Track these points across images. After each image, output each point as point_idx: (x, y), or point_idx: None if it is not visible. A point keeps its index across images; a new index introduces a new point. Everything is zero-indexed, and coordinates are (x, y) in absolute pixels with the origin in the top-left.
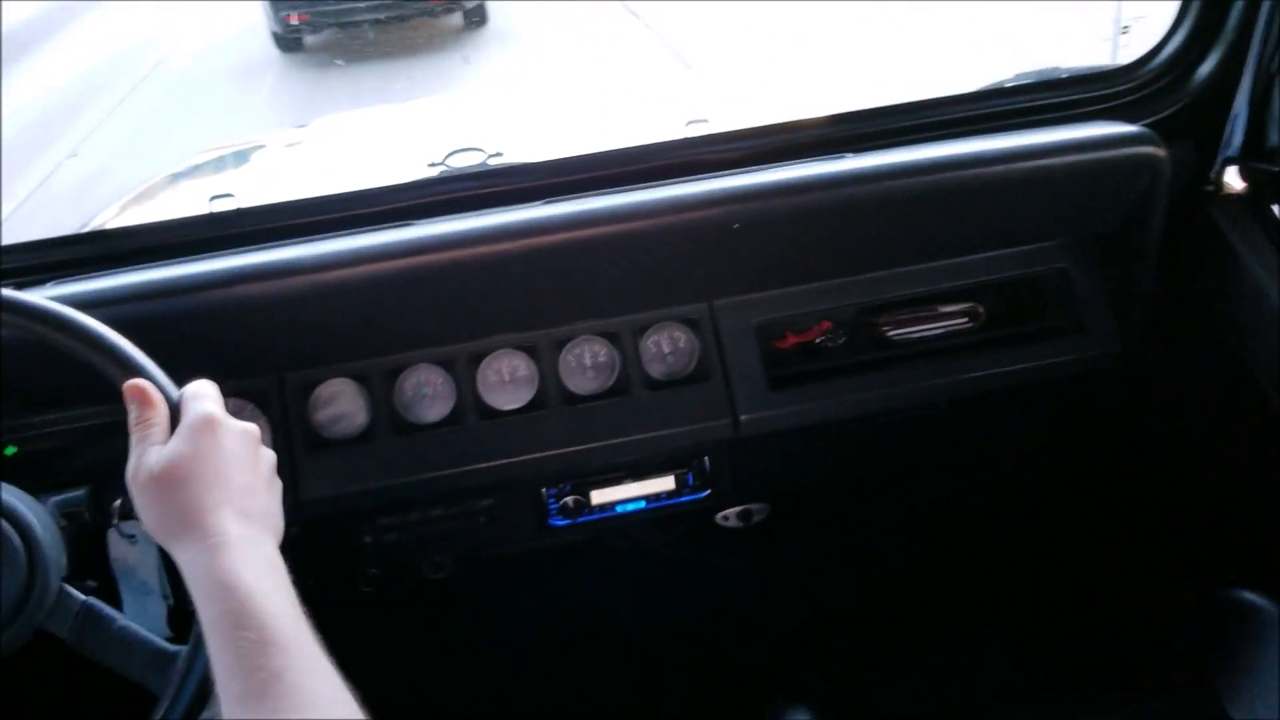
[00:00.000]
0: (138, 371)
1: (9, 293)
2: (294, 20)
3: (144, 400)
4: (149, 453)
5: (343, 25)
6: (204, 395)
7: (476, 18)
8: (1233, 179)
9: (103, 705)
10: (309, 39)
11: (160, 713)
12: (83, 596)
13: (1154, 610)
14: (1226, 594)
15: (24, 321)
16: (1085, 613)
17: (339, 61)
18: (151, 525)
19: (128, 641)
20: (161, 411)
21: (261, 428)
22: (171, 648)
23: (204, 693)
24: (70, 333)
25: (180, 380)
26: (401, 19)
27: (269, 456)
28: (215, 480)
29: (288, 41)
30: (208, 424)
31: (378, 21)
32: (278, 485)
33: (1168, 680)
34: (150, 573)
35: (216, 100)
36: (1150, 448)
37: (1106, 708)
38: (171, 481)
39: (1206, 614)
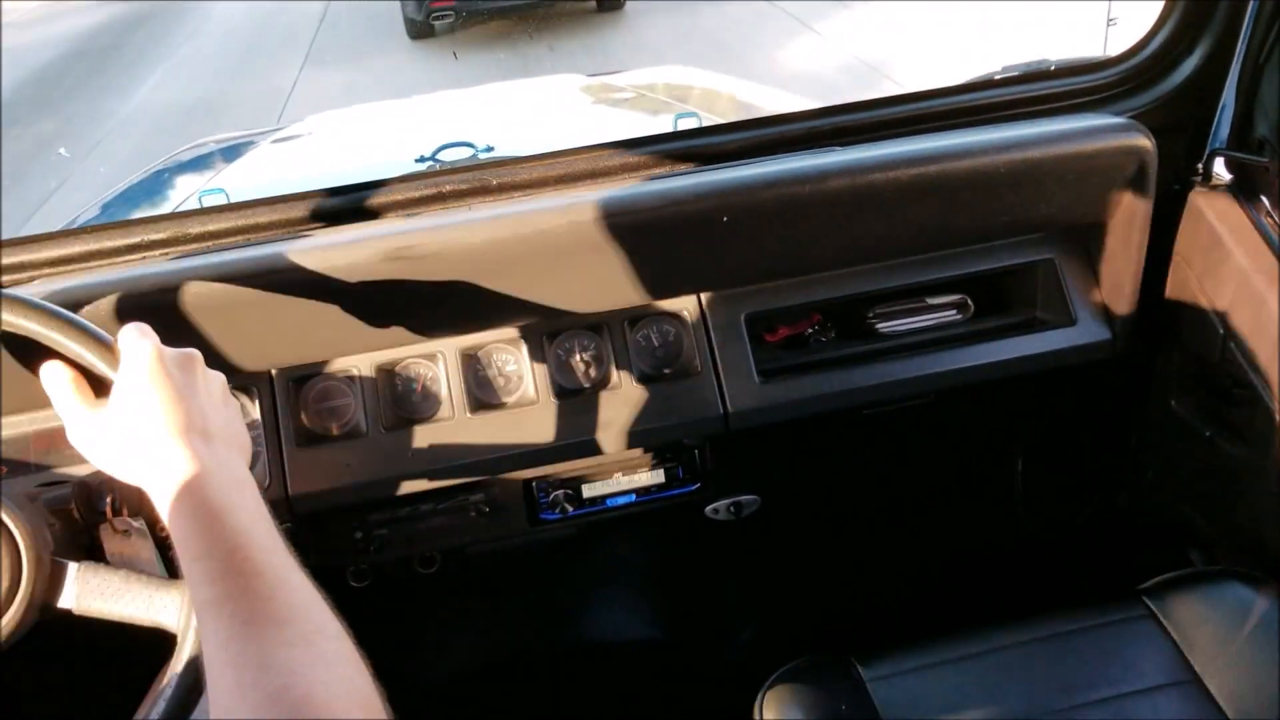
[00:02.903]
0: (66, 324)
1: None
2: (439, 5)
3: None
4: (93, 404)
5: (488, 12)
6: (141, 332)
7: (612, 2)
8: (1220, 170)
9: (110, 686)
10: (439, 25)
11: (182, 650)
12: (76, 564)
13: (1141, 598)
14: (1221, 587)
15: None
16: (1076, 605)
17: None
18: (114, 466)
19: (133, 588)
20: (99, 360)
21: (251, 424)
22: (174, 582)
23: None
24: None
25: None
26: (544, 4)
27: (218, 377)
28: (168, 407)
29: (422, 27)
30: (148, 357)
31: (521, 7)
32: (234, 403)
33: (1160, 673)
34: (150, 563)
35: None
36: (1138, 437)
37: (1098, 699)
38: (125, 419)
39: (1200, 607)
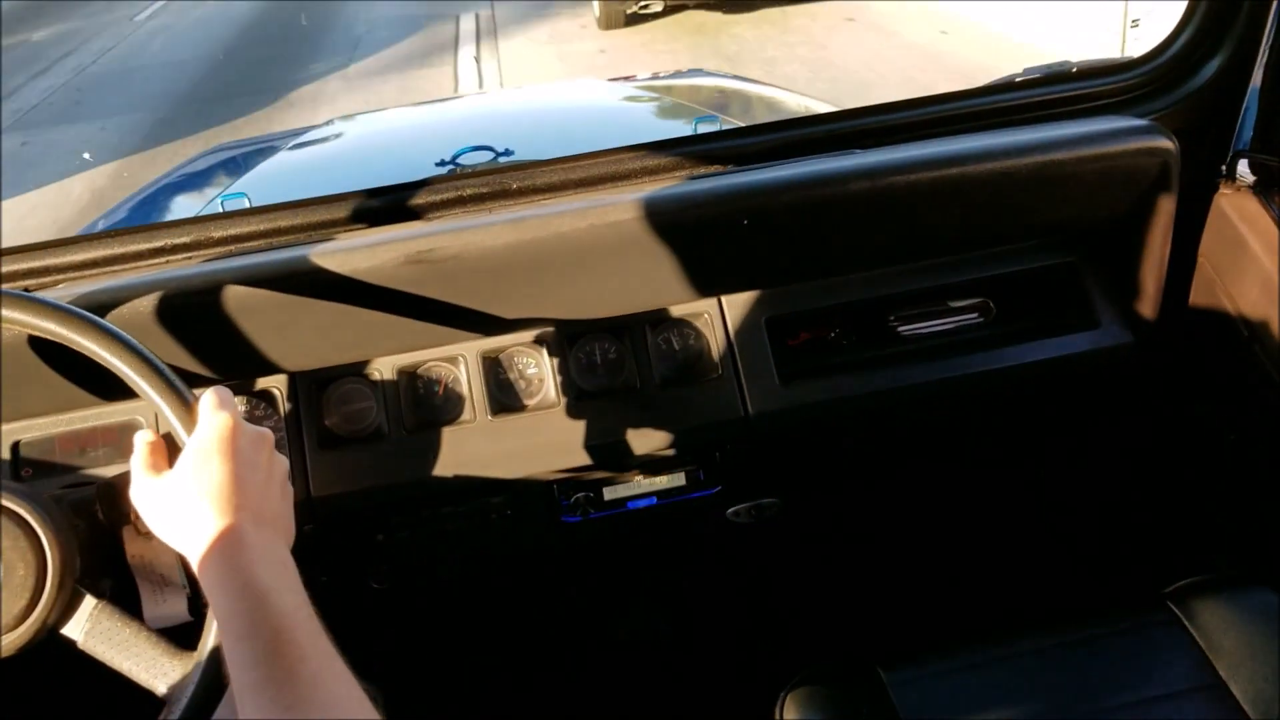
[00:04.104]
0: (156, 376)
1: (13, 291)
2: None
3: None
4: (163, 467)
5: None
6: (221, 401)
7: None
8: (1244, 171)
9: (110, 706)
10: (630, 13)
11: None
12: (95, 599)
13: (1166, 602)
14: (1246, 592)
15: (39, 322)
16: (1100, 609)
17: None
18: (167, 532)
19: (140, 646)
20: (175, 418)
21: (274, 426)
22: (181, 653)
23: (212, 699)
24: (92, 335)
25: (190, 379)
26: None
27: (282, 462)
28: (233, 485)
29: (616, 16)
30: (226, 430)
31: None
32: (290, 491)
33: (1185, 678)
34: (168, 567)
35: None
36: (1162, 441)
37: (1122, 704)
38: (186, 487)
39: (1225, 612)
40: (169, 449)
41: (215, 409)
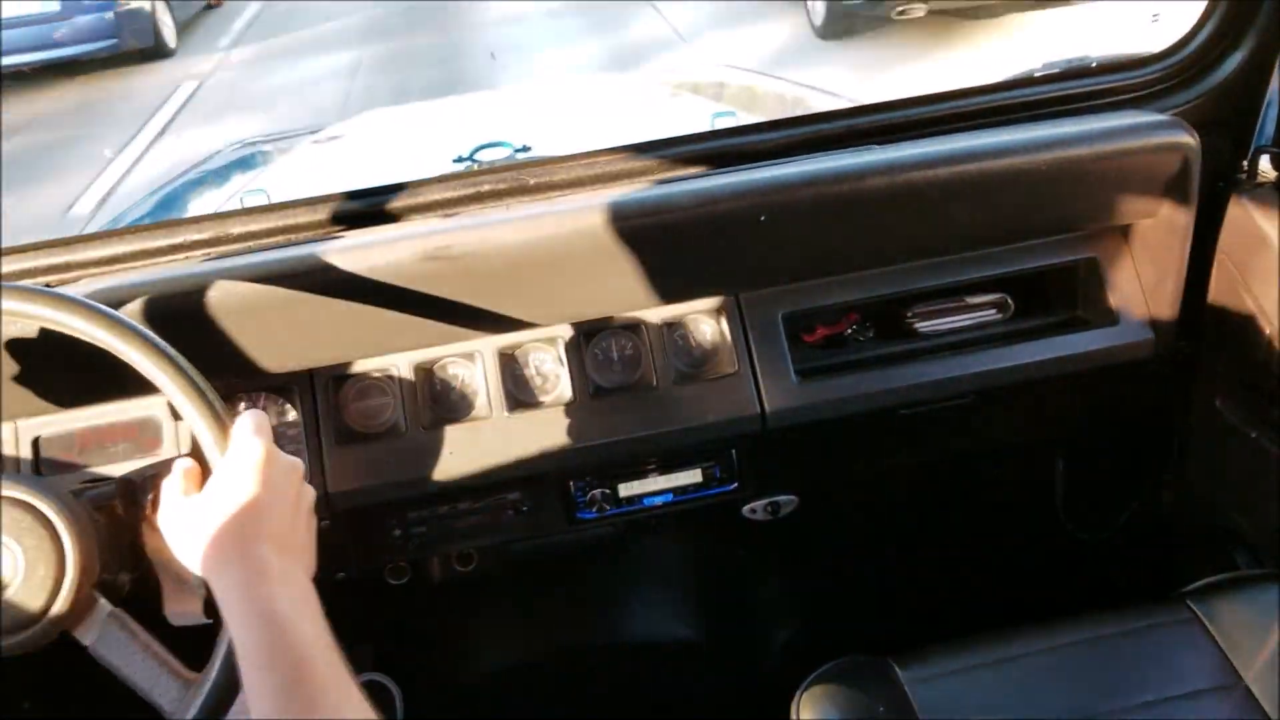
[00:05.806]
0: (197, 395)
1: (57, 291)
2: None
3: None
4: (193, 492)
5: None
6: (257, 427)
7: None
8: (1266, 167)
9: (117, 710)
10: (859, 23)
11: None
12: (110, 606)
13: (1185, 601)
14: (1267, 590)
15: (83, 325)
16: (1118, 608)
17: None
18: (192, 558)
19: (147, 660)
20: (209, 437)
21: (291, 423)
22: (187, 673)
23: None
24: (136, 344)
25: (211, 375)
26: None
27: (310, 493)
28: (260, 514)
29: (838, 28)
30: (258, 458)
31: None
32: (314, 522)
33: (1204, 677)
34: (184, 566)
35: None
36: (1184, 439)
37: (1141, 704)
38: (218, 514)
39: (1245, 611)
40: (200, 470)
41: (250, 434)
